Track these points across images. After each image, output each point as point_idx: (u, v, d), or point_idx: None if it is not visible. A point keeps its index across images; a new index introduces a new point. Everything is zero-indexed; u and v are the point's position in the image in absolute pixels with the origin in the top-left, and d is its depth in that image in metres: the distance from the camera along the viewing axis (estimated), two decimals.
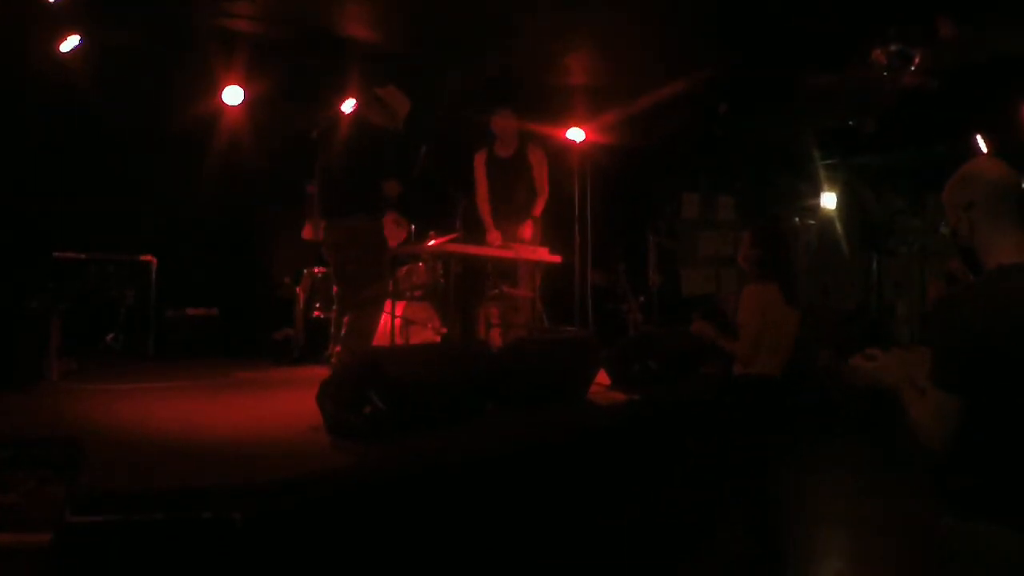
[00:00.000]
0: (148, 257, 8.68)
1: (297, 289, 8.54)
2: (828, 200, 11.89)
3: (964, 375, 2.27)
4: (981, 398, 2.25)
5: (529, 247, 7.36)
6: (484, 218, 7.71)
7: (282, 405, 5.57)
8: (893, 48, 7.93)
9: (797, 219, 11.84)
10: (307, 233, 7.87)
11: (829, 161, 11.58)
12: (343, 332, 5.94)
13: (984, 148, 9.27)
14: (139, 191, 8.65)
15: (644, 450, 5.48)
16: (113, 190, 8.44)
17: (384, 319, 6.71)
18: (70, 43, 7.71)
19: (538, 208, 7.66)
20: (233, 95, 8.79)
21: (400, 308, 7.31)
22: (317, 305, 8.42)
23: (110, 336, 8.29)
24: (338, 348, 5.94)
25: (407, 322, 7.20)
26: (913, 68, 8.04)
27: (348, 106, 8.66)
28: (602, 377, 6.17)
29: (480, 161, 7.77)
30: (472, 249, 7.08)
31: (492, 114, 7.70)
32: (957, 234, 2.56)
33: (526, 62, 8.91)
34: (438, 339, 7.15)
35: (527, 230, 7.56)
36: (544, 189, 7.70)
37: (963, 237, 2.53)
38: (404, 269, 7.74)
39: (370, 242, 5.96)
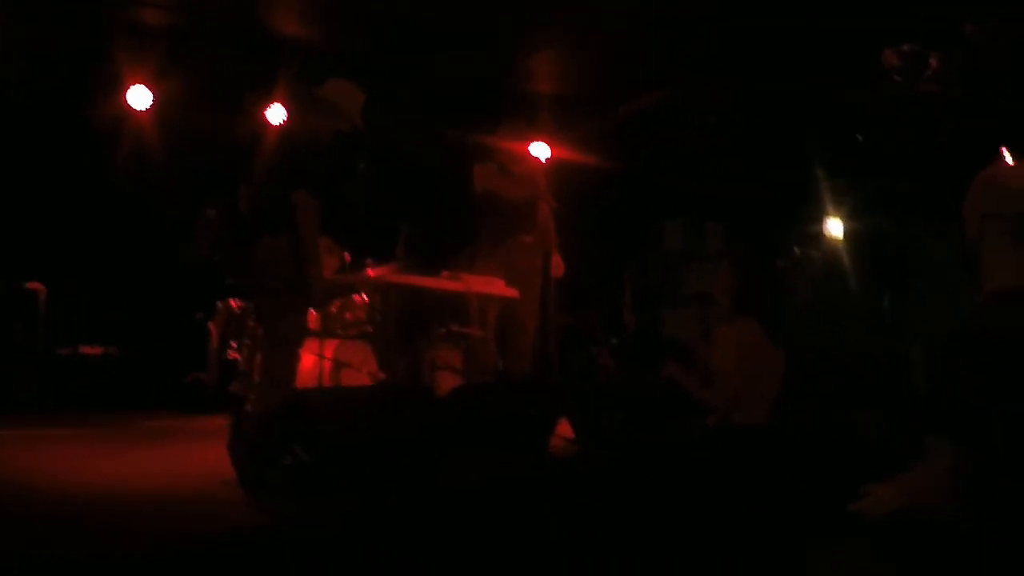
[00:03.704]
0: (36, 285, 8.67)
1: (210, 325, 8.60)
2: (834, 227, 12.02)
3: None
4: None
5: (482, 279, 7.49)
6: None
7: (189, 457, 5.67)
8: (906, 49, 8.10)
9: (798, 249, 11.96)
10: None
11: (836, 181, 11.72)
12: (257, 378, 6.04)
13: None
14: (25, 206, 8.69)
15: (612, 513, 5.57)
16: None
17: (312, 361, 6.82)
18: None
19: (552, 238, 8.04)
20: (140, 97, 8.82)
21: (330, 349, 7.39)
22: (234, 344, 8.48)
23: None
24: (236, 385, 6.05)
25: (339, 365, 7.30)
26: (930, 73, 8.21)
27: (275, 114, 8.82)
28: (567, 430, 6.30)
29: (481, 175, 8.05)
30: (416, 280, 7.18)
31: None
32: (966, 243, 2.72)
33: (483, 65, 9.08)
34: None
35: (560, 263, 7.96)
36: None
37: (971, 247, 2.70)
38: (337, 304, 7.83)
39: (293, 265, 6.03)
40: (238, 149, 6.74)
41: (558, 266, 8.01)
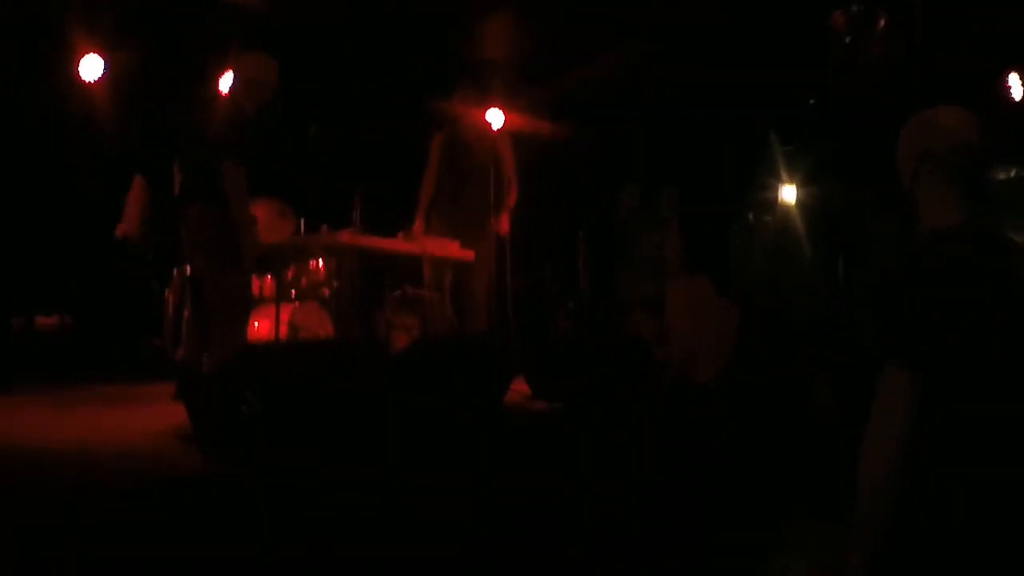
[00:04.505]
0: None
1: (166, 292, 8.60)
2: (787, 193, 12.08)
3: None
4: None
5: (437, 241, 7.55)
6: (421, 203, 7.98)
7: (145, 417, 5.71)
8: (855, 9, 8.12)
9: (751, 215, 12.04)
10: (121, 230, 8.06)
11: (790, 147, 11.79)
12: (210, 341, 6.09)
13: None
14: None
15: (566, 464, 5.64)
16: None
17: (268, 326, 6.87)
18: None
19: (512, 198, 8.14)
20: (91, 67, 8.75)
21: (286, 313, 7.43)
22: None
23: None
24: (182, 351, 6.12)
25: (295, 328, 7.34)
26: (879, 33, 8.24)
27: (227, 82, 8.83)
28: (523, 387, 6.40)
29: (436, 143, 8.12)
30: (368, 242, 7.23)
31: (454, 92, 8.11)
32: (903, 183, 2.79)
33: (438, 32, 9.12)
34: None
35: (505, 223, 8.05)
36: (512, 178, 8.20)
37: (907, 187, 2.76)
38: (292, 269, 7.85)
39: (225, 226, 6.09)
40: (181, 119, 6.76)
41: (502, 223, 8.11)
